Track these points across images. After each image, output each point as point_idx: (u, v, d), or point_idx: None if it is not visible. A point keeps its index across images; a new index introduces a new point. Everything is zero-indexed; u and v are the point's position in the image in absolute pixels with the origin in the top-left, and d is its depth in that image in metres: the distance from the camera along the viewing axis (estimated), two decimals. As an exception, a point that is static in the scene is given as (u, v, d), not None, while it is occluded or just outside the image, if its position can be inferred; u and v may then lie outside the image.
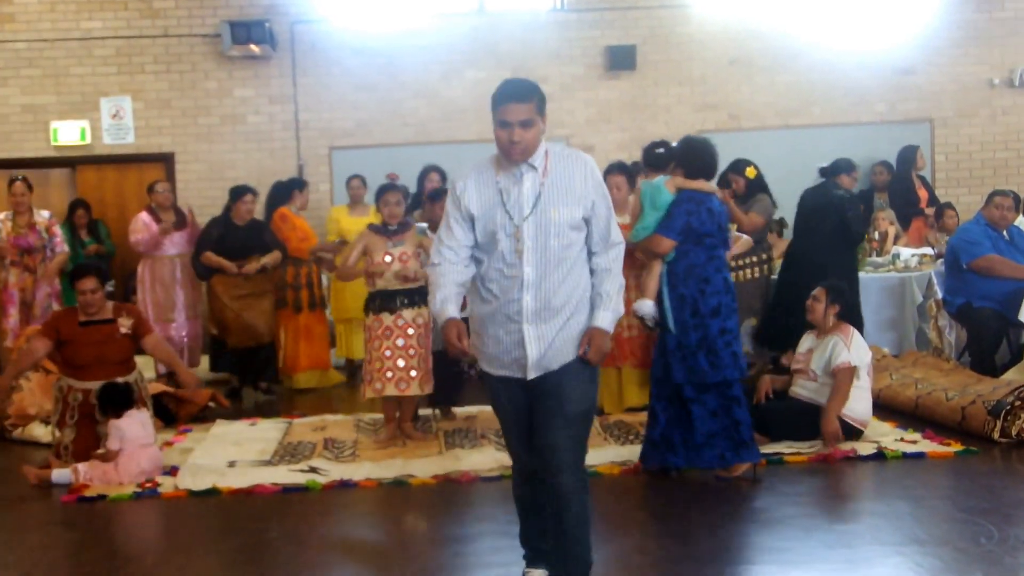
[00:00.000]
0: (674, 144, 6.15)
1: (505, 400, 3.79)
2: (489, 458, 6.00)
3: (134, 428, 5.95)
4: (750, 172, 7.85)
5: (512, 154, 3.58)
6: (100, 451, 5.94)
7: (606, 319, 3.69)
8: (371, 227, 6.74)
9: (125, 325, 6.30)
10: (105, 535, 5.29)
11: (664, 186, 5.62)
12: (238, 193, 8.37)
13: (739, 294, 6.63)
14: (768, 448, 5.96)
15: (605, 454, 6.05)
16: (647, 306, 5.56)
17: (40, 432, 6.93)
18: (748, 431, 5.52)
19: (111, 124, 10.61)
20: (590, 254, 3.73)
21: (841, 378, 6.06)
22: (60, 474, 5.88)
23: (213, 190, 10.23)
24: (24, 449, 6.83)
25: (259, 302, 8.26)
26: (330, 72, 10.69)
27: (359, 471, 5.90)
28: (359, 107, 10.70)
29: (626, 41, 10.74)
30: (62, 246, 8.52)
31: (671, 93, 10.90)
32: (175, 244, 8.63)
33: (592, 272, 3.73)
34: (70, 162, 10.75)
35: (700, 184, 5.64)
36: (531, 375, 3.67)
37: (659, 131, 10.47)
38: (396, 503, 5.50)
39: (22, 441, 7.02)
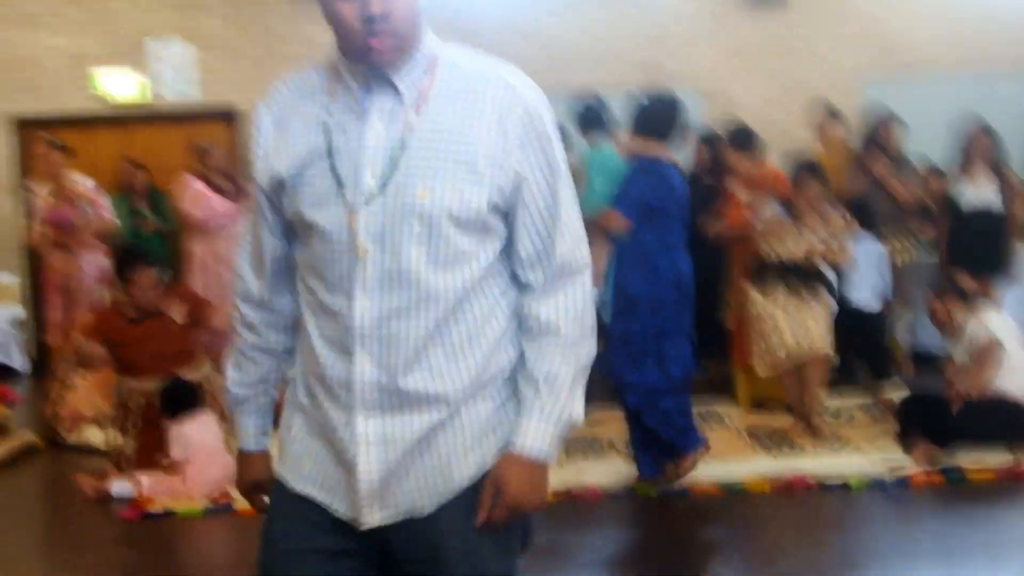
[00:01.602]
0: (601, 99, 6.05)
1: (293, 548, 2.33)
2: (618, 471, 6.01)
3: (201, 433, 6.06)
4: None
5: (369, 47, 2.14)
6: (165, 461, 6.07)
7: (540, 436, 2.25)
8: None
9: (180, 313, 6.42)
10: (171, 556, 5.44)
11: (615, 150, 5.54)
12: None
13: (897, 275, 6.66)
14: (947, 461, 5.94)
15: (754, 464, 6.08)
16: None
17: (96, 438, 7.11)
18: (672, 430, 5.61)
19: (170, 74, 10.79)
20: (518, 287, 2.32)
21: (984, 355, 6.21)
22: (120, 486, 6.04)
23: None
24: (79, 456, 7.01)
25: None
26: (425, 11, 10.49)
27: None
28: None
29: (773, -33, 10.56)
30: (107, 215, 8.52)
31: (826, 31, 10.67)
32: (231, 216, 8.60)
33: (521, 326, 2.31)
34: (121, 119, 10.90)
35: (660, 150, 5.58)
36: (367, 518, 2.25)
37: (813, 80, 10.32)
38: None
39: (76, 447, 7.20)
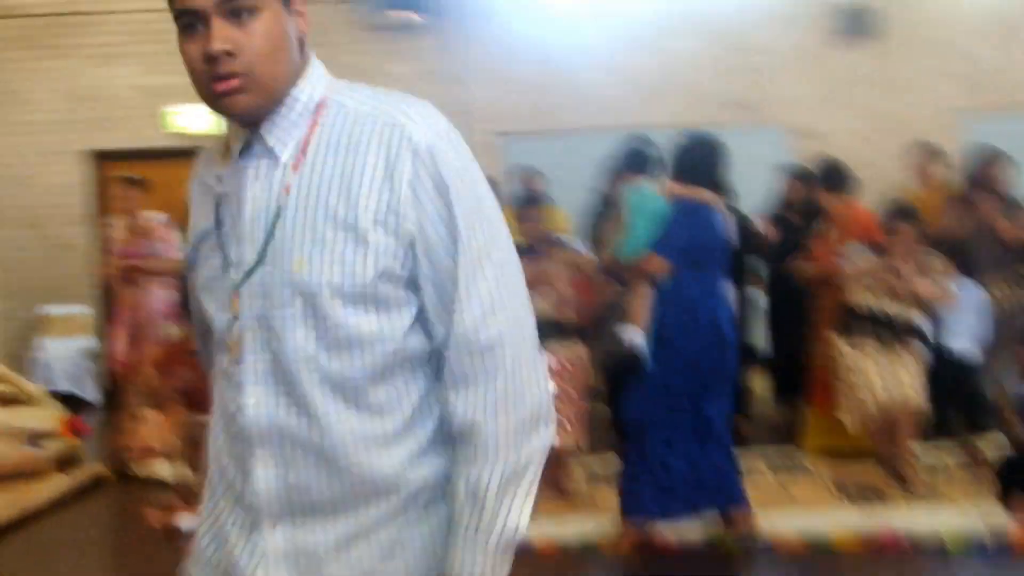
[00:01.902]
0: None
1: None
2: (693, 521, 5.89)
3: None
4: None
5: (215, 93, 1.87)
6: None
7: (470, 564, 1.93)
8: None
9: None
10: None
11: (654, 193, 5.54)
12: None
13: (1001, 321, 6.49)
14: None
15: (841, 517, 5.92)
16: (638, 336, 5.50)
17: (165, 472, 7.22)
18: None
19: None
20: (441, 373, 1.94)
21: None
22: (188, 520, 6.09)
23: None
24: (147, 489, 7.11)
25: None
26: (496, 44, 10.77)
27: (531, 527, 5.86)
28: (532, 85, 10.75)
29: (861, 0, 10.48)
30: (173, 253, 8.55)
31: (923, 66, 10.56)
32: None
33: (450, 424, 1.94)
34: (196, 153, 11.03)
35: (703, 193, 5.55)
36: None
37: (906, 113, 10.21)
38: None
39: (145, 480, 7.32)
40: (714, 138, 5.79)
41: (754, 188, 8.53)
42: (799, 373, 7.57)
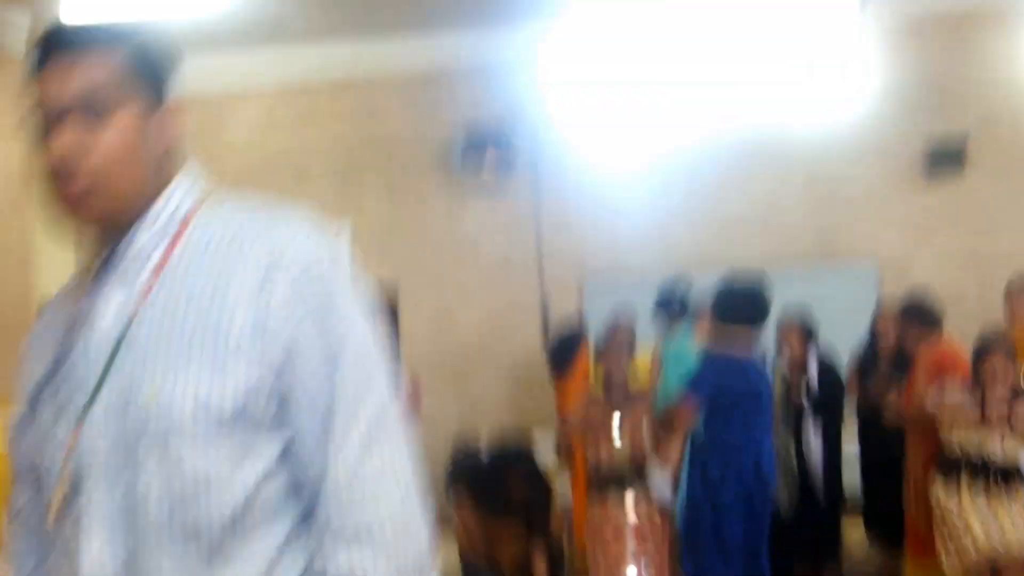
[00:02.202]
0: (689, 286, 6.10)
1: None
2: None
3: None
4: None
5: (66, 203, 1.74)
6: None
7: None
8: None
9: None
10: None
11: (688, 340, 5.60)
12: None
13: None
14: None
15: None
16: (665, 485, 5.55)
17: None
18: None
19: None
20: (309, 521, 1.75)
21: None
22: None
23: (440, 331, 10.66)
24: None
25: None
26: (580, 188, 11.01)
27: None
28: (616, 229, 10.92)
29: (953, 133, 10.52)
30: None
31: (1014, 200, 10.53)
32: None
33: None
34: None
35: (738, 337, 5.70)
36: None
37: (999, 249, 10.16)
38: None
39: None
40: (759, 281, 5.85)
41: (843, 324, 8.56)
42: (896, 520, 7.47)
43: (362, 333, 1.75)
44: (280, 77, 11.43)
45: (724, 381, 5.60)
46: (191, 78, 10.25)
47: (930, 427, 6.93)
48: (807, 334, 7.73)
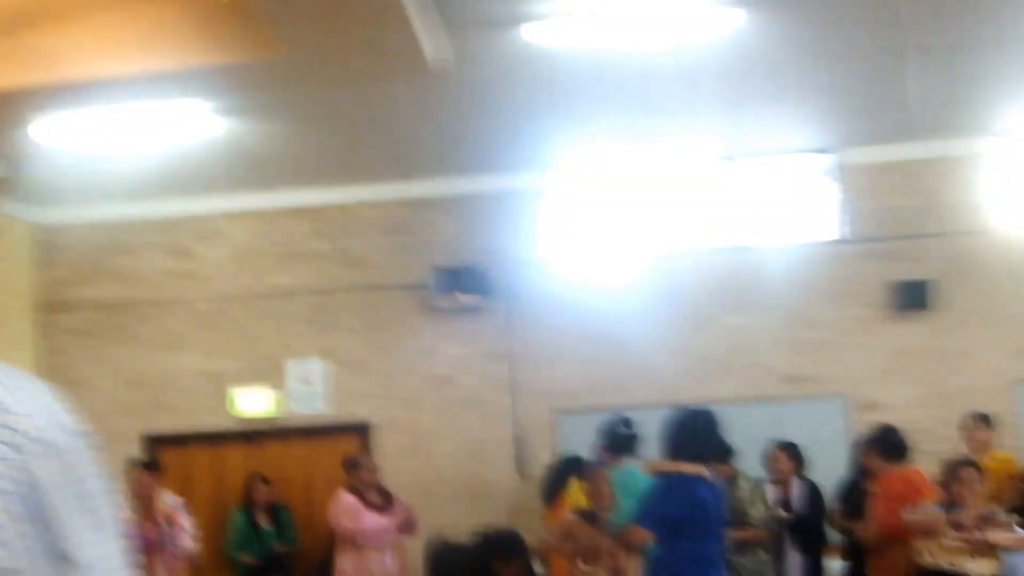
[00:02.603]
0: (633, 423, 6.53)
1: None
2: None
3: None
4: None
5: None
6: None
7: None
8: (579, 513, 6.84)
9: None
10: None
11: (638, 470, 6.00)
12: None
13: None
14: None
15: None
16: None
17: None
18: None
19: (299, 390, 11.59)
20: None
21: None
22: None
23: (417, 462, 10.92)
24: None
25: None
26: (553, 323, 11.39)
27: None
28: (589, 363, 11.29)
29: (918, 275, 11.10)
30: (185, 541, 8.95)
31: (975, 336, 11.09)
32: (386, 531, 9.12)
33: None
34: (252, 435, 11.61)
35: (682, 466, 6.02)
36: None
37: (964, 384, 10.71)
38: None
39: None
40: (707, 410, 6.35)
41: (817, 457, 9.02)
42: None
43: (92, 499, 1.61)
44: (257, 211, 11.85)
45: (674, 498, 6.01)
46: (170, 206, 10.67)
47: (895, 548, 7.31)
48: (794, 458, 8.16)
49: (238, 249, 11.90)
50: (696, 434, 6.19)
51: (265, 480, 10.94)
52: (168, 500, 9.07)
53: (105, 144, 9.21)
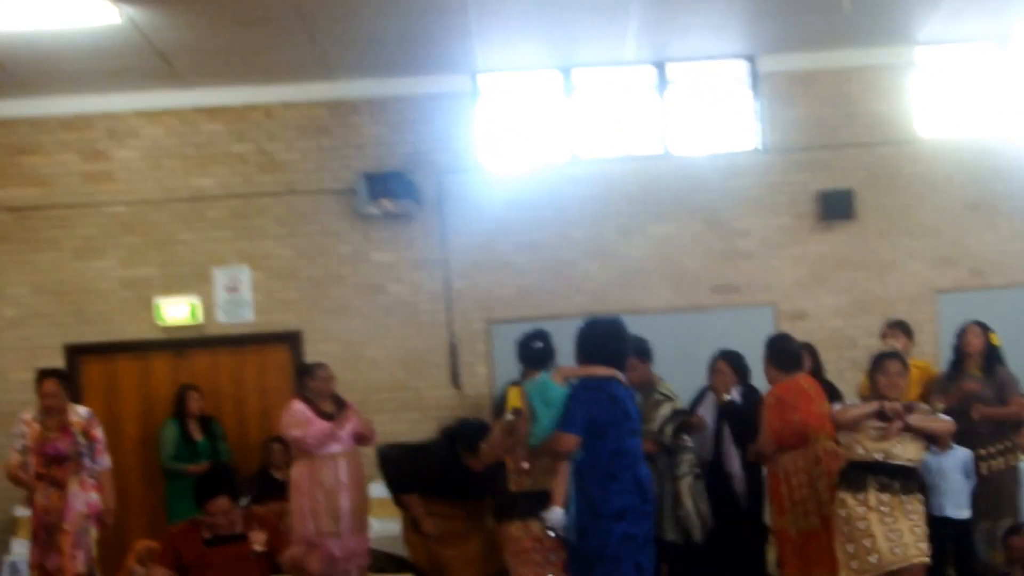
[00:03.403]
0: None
1: None
2: None
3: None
4: (994, 339, 8.92)
5: None
6: None
7: None
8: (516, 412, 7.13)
9: (259, 541, 6.97)
10: None
11: (551, 380, 6.69)
12: None
13: (987, 489, 7.25)
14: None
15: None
16: (556, 514, 6.55)
17: None
18: None
19: (226, 299, 11.81)
20: None
21: None
22: None
23: (349, 373, 11.00)
24: None
25: (465, 542, 8.51)
26: (485, 231, 11.76)
27: None
28: (521, 272, 11.75)
29: (841, 185, 11.77)
30: (103, 457, 8.97)
31: (898, 246, 11.86)
32: (340, 440, 9.15)
33: None
34: (178, 345, 11.75)
35: (596, 369, 6.68)
36: None
37: (885, 291, 11.60)
38: None
39: None
40: (615, 319, 6.97)
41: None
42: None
43: None
44: (173, 109, 11.90)
45: (594, 400, 6.58)
46: (80, 103, 10.62)
47: (787, 453, 7.86)
48: (737, 368, 8.82)
49: (154, 150, 11.91)
50: (606, 342, 6.78)
51: (196, 390, 11.18)
52: (81, 412, 9.03)
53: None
